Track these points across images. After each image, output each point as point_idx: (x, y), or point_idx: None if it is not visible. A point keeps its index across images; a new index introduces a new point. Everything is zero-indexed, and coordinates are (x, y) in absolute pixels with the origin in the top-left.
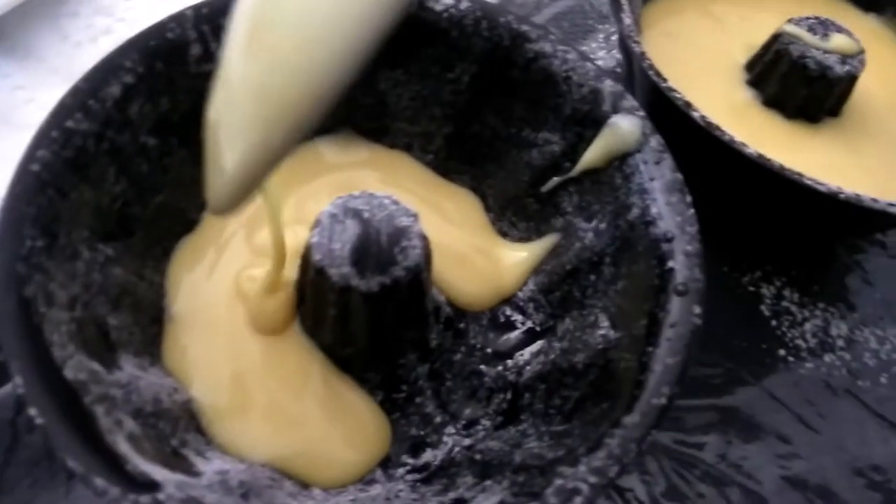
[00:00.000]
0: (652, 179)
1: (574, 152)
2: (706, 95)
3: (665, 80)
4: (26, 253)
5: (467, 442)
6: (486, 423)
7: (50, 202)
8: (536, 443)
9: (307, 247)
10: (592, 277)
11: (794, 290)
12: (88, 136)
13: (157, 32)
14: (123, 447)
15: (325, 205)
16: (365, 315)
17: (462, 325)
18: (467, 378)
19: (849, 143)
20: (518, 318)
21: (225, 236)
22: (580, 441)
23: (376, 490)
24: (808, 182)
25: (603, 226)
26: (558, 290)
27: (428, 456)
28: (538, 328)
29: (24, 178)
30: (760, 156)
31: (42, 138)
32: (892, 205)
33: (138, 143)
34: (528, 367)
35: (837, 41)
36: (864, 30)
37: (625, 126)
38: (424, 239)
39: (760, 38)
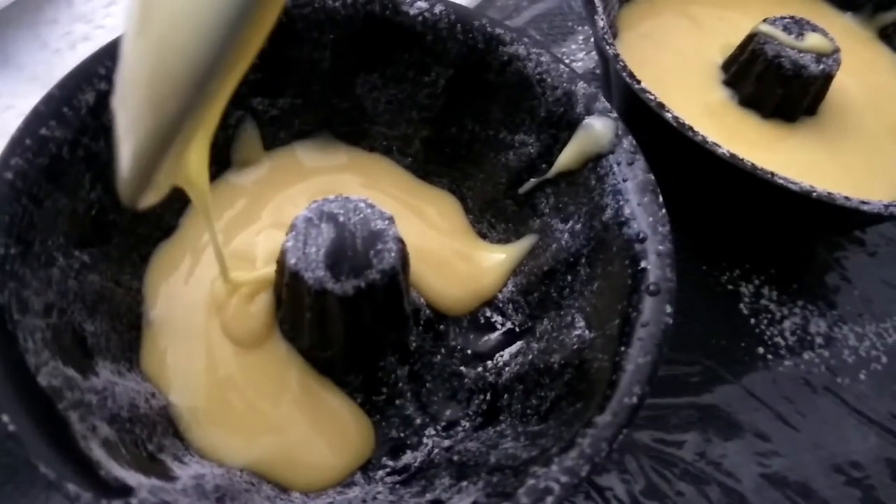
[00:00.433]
0: (625, 180)
1: (549, 154)
2: (683, 96)
3: (638, 81)
4: (0, 260)
5: (447, 443)
6: (465, 424)
7: (24, 210)
8: (512, 443)
9: (282, 251)
10: (569, 278)
11: (772, 289)
12: (63, 144)
13: None
14: (97, 453)
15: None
16: (341, 318)
17: (442, 327)
18: (447, 380)
19: (826, 141)
20: (498, 319)
21: (202, 242)
22: (554, 441)
23: (355, 493)
24: (781, 181)
25: (578, 227)
26: (536, 291)
27: (408, 458)
28: (517, 329)
29: None
30: (733, 156)
31: (16, 146)
32: (864, 202)
33: (114, 150)
34: (507, 368)
35: (812, 40)
36: (841, 28)
37: (598, 128)
38: (400, 242)
39: (738, 38)
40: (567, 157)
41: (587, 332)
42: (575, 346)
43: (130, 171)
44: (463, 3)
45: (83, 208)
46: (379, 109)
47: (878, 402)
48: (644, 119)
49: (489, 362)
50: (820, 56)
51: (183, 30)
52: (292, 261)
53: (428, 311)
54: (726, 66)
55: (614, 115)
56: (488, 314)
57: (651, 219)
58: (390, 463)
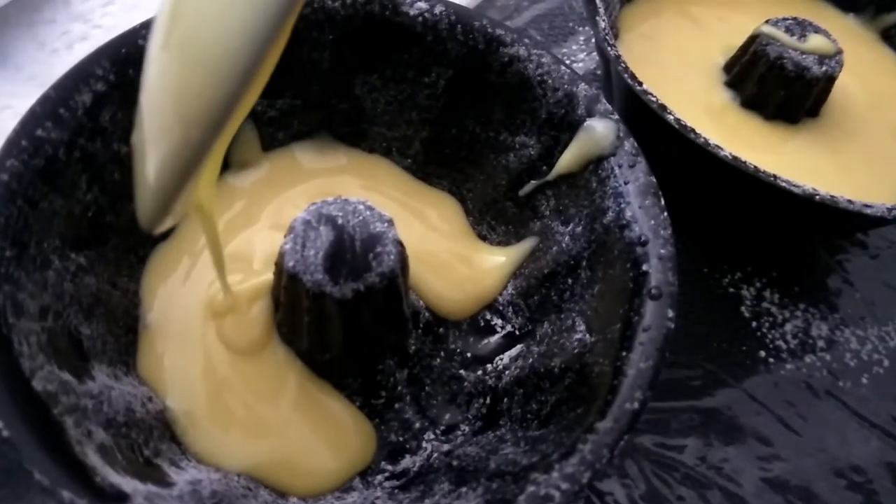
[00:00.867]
0: (626, 183)
1: (550, 156)
2: (685, 97)
3: (640, 83)
4: None
5: (446, 447)
6: (465, 428)
7: (19, 212)
8: (512, 448)
9: (280, 253)
10: (569, 281)
11: (774, 291)
12: (59, 145)
13: (128, 39)
14: (93, 458)
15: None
16: (340, 321)
17: (441, 330)
18: (447, 383)
19: (828, 143)
20: (498, 322)
21: (200, 244)
22: (554, 447)
23: (353, 498)
24: (784, 184)
25: (579, 229)
26: (537, 294)
27: (407, 462)
28: (517, 332)
29: None
30: (735, 158)
31: (11, 147)
32: (867, 206)
33: (111, 151)
34: (506, 372)
35: (815, 42)
36: (843, 30)
37: (599, 129)
38: (399, 244)
39: (739, 39)
40: (568, 159)
41: (588, 335)
42: (576, 350)
43: (154, 198)
44: (463, 3)
45: (79, 210)
46: (378, 110)
47: (880, 406)
48: (645, 121)
49: (489, 366)
50: (822, 58)
51: (215, 53)
52: (290, 263)
53: (427, 314)
54: (728, 67)
55: (616, 116)
56: (488, 317)
57: (653, 222)
58: (389, 467)
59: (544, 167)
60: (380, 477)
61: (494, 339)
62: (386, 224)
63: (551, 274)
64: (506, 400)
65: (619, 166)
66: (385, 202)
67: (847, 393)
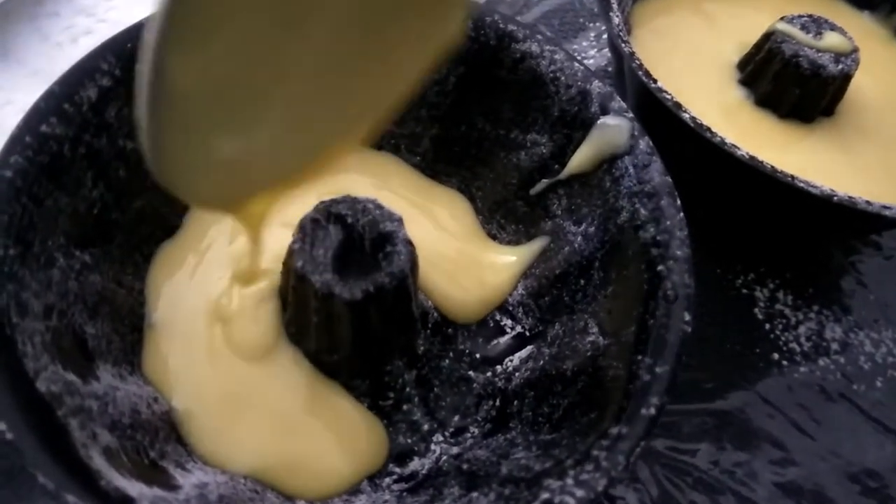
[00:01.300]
0: (641, 182)
1: (562, 154)
2: (698, 94)
3: (654, 80)
4: None
5: (455, 450)
6: (474, 430)
7: (24, 209)
8: (524, 453)
9: (289, 252)
10: (582, 282)
11: (787, 293)
12: (64, 141)
13: (134, 34)
14: (98, 461)
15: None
16: (349, 322)
17: (450, 331)
18: (455, 384)
19: (843, 142)
20: (507, 322)
21: (206, 242)
22: (568, 452)
23: (361, 501)
24: (801, 185)
25: (592, 229)
26: (548, 295)
27: (415, 465)
28: (528, 333)
29: None
30: (753, 158)
31: (15, 144)
32: (886, 207)
33: (116, 147)
34: (517, 374)
35: (831, 40)
36: (857, 28)
37: (613, 128)
38: (409, 244)
39: (753, 36)
40: (581, 157)
41: (601, 338)
42: (588, 353)
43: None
44: None
45: (84, 207)
46: None
47: (895, 410)
48: (659, 119)
49: (498, 367)
50: (838, 56)
51: None
52: (299, 263)
53: (436, 314)
54: (742, 64)
55: (630, 115)
56: (498, 317)
57: (668, 223)
58: (397, 470)
59: (556, 166)
60: (388, 479)
61: (504, 340)
62: (396, 223)
63: (563, 274)
64: (516, 402)
65: (634, 166)
66: (394, 200)
67: (861, 396)
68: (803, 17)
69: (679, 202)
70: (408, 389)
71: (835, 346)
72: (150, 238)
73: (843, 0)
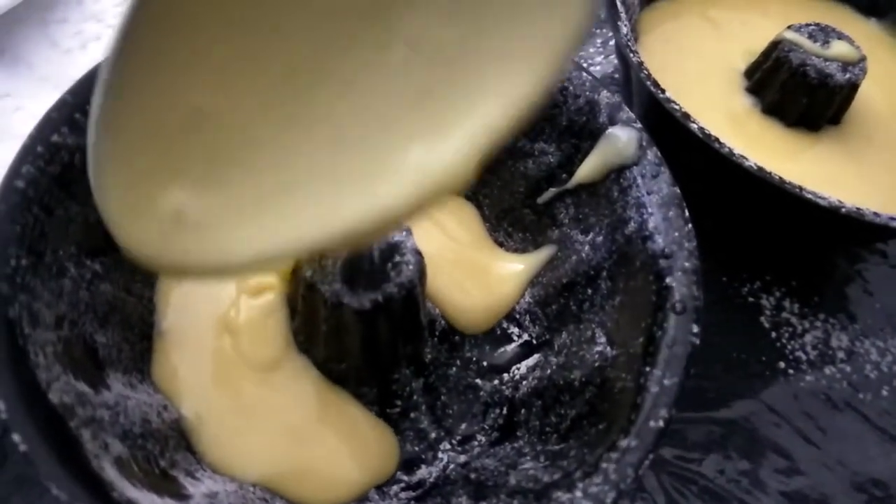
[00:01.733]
0: (649, 193)
1: (570, 164)
2: (705, 102)
3: (663, 90)
4: (10, 272)
5: (462, 459)
6: (481, 438)
7: (35, 220)
8: (532, 463)
9: (297, 261)
10: (589, 291)
11: (794, 301)
12: (75, 151)
13: None
14: (110, 472)
15: None
16: (358, 331)
17: (457, 338)
18: (462, 392)
19: (850, 151)
20: (514, 330)
21: None
22: (576, 464)
23: None
24: (809, 196)
25: (599, 239)
26: (555, 304)
27: (422, 473)
28: (534, 341)
29: (9, 195)
30: (760, 168)
31: (27, 153)
32: (893, 218)
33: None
34: (524, 382)
35: (838, 48)
36: (864, 35)
37: (622, 138)
38: (418, 254)
39: (760, 43)
40: (588, 167)
41: (609, 348)
42: (596, 364)
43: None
44: None
45: (95, 216)
46: None
47: None
48: (667, 128)
49: (505, 375)
50: (846, 65)
51: None
52: (308, 273)
53: (443, 322)
54: (749, 73)
55: (638, 125)
56: (504, 325)
57: (677, 234)
58: (405, 478)
59: (564, 175)
60: (395, 487)
61: (511, 347)
62: (404, 233)
63: (570, 283)
64: (523, 411)
65: (642, 176)
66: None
67: (867, 405)
68: (811, 25)
69: (687, 213)
70: (415, 397)
71: (841, 354)
72: None
73: (849, 7)
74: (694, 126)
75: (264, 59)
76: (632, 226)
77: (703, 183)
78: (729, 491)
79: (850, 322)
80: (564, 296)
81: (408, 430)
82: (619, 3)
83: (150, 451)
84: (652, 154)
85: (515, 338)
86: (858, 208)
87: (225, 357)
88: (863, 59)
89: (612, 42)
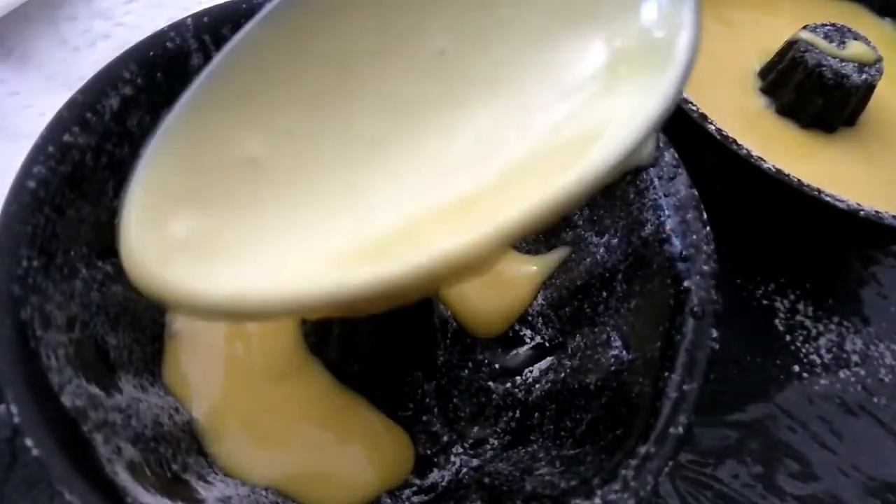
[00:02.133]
0: (667, 195)
1: None
2: (719, 103)
3: None
4: (22, 274)
5: (475, 463)
6: (494, 442)
7: (47, 220)
8: (548, 468)
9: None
10: (604, 294)
11: (808, 304)
12: (86, 151)
13: (156, 42)
14: (123, 477)
15: None
16: (370, 334)
17: (469, 340)
18: (475, 395)
19: (865, 153)
20: (527, 332)
21: None
22: (594, 470)
23: None
24: (827, 198)
25: (615, 241)
26: (568, 306)
27: (435, 476)
28: (547, 344)
29: (20, 195)
30: (779, 170)
31: (38, 154)
32: None
33: (138, 157)
34: (537, 385)
35: (854, 49)
36: (879, 35)
37: None
38: None
39: (774, 44)
40: None
41: (625, 352)
42: (612, 368)
43: None
44: None
45: (106, 217)
46: None
47: None
48: (683, 129)
49: (518, 378)
50: (862, 65)
51: None
52: None
53: (455, 324)
54: (763, 73)
55: None
56: (517, 327)
57: (695, 236)
58: (417, 481)
59: None
60: (407, 491)
61: (523, 350)
62: None
63: (584, 286)
64: (537, 415)
65: (659, 178)
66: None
67: (882, 410)
68: (826, 25)
69: (705, 215)
70: (427, 400)
71: (855, 357)
72: None
73: (864, 7)
74: (711, 127)
75: (331, 129)
76: (648, 228)
77: (719, 184)
78: (744, 495)
79: (865, 325)
80: (578, 298)
81: (420, 432)
82: None
83: (162, 454)
84: (669, 155)
85: (528, 340)
86: (877, 211)
87: (237, 359)
88: (879, 59)
89: None
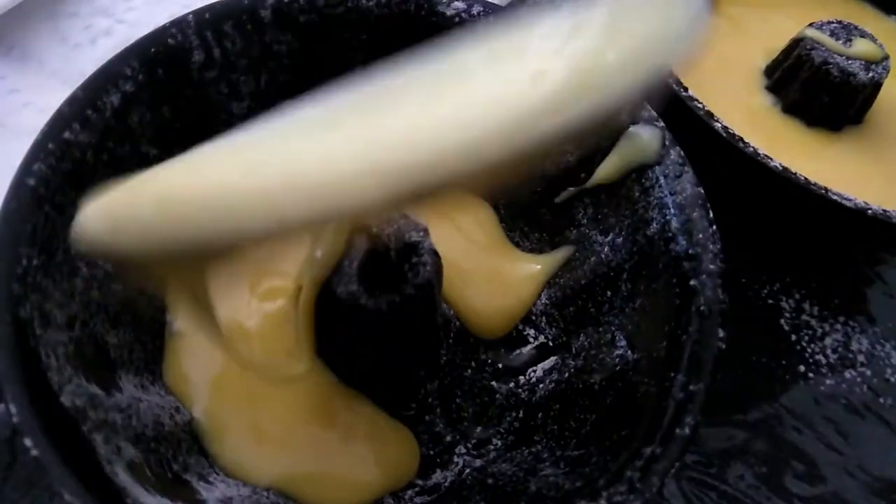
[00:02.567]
0: (672, 193)
1: (590, 163)
2: (724, 101)
3: (686, 88)
4: (22, 272)
5: (478, 463)
6: (497, 442)
7: (47, 218)
8: (552, 469)
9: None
10: (608, 293)
11: (813, 303)
12: (87, 148)
13: (158, 39)
14: (123, 478)
15: None
16: (373, 333)
17: (472, 340)
18: (478, 395)
19: (872, 151)
20: (530, 332)
21: None
22: (599, 471)
23: None
24: (835, 197)
25: (620, 240)
26: (572, 305)
27: (438, 477)
28: (551, 343)
29: (20, 193)
30: (785, 169)
31: (38, 151)
32: None
33: (139, 154)
34: (540, 385)
35: (861, 47)
36: (885, 32)
37: (644, 137)
38: (435, 255)
39: (780, 41)
40: (608, 166)
41: (630, 352)
42: (617, 368)
43: None
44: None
45: None
46: None
47: None
48: (689, 127)
49: (521, 378)
50: (869, 63)
51: None
52: (324, 274)
53: (458, 323)
54: (769, 71)
55: (661, 124)
56: (520, 327)
57: (701, 235)
58: (419, 482)
59: (583, 174)
60: (410, 492)
61: (527, 350)
62: (422, 233)
63: (589, 285)
64: (540, 415)
65: (665, 176)
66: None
67: (887, 410)
68: (833, 23)
69: (711, 214)
70: (430, 400)
71: (861, 358)
72: None
73: (869, 4)
74: (717, 125)
75: None
76: (654, 227)
77: (725, 183)
78: (749, 496)
79: (870, 325)
80: (583, 297)
81: (422, 433)
82: None
83: (162, 454)
84: (675, 153)
85: (531, 340)
86: (885, 210)
87: (239, 358)
88: (886, 57)
89: None
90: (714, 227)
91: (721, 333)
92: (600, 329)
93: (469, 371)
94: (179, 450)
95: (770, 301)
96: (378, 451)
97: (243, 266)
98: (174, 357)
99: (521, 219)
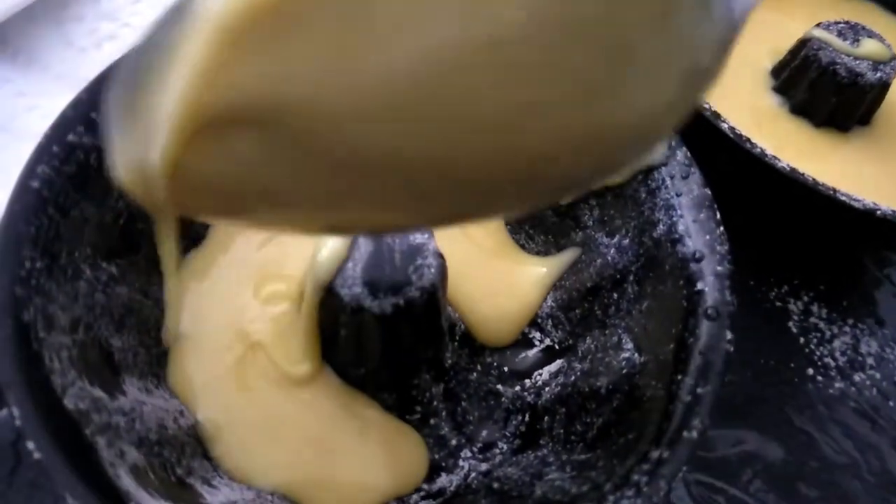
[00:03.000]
0: (679, 195)
1: None
2: (731, 101)
3: None
4: (25, 275)
5: (484, 467)
6: (503, 446)
7: (50, 221)
8: (558, 473)
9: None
10: (615, 296)
11: (822, 306)
12: (91, 151)
13: None
14: (126, 481)
15: None
16: (378, 336)
17: (477, 343)
18: (483, 398)
19: (880, 152)
20: (536, 335)
21: (232, 250)
22: (605, 475)
23: None
24: (843, 198)
25: (626, 242)
26: (578, 308)
27: (443, 481)
28: (557, 346)
29: (24, 195)
30: (793, 170)
31: (42, 153)
32: None
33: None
34: (546, 389)
35: (869, 47)
36: (893, 33)
37: None
38: (440, 257)
39: (787, 42)
40: None
41: (636, 355)
42: (624, 371)
43: None
44: None
45: (111, 218)
46: None
47: None
48: (695, 127)
49: (527, 381)
50: (877, 63)
51: None
52: (328, 277)
53: (463, 326)
54: (776, 71)
55: None
56: (526, 330)
57: (708, 237)
58: (424, 486)
59: None
60: (415, 496)
61: (533, 353)
62: (426, 235)
63: (595, 287)
64: (546, 418)
65: (671, 177)
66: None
67: None
68: (840, 23)
69: (719, 215)
70: (435, 403)
71: (870, 360)
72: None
73: (876, 4)
74: (725, 125)
75: None
76: (660, 228)
77: (731, 184)
78: (759, 500)
79: (880, 327)
80: (589, 300)
81: (428, 436)
82: None
83: (166, 458)
84: (681, 154)
85: (537, 342)
86: (894, 211)
87: (243, 363)
88: (894, 57)
89: None
90: (721, 228)
91: (729, 336)
92: (607, 332)
93: (474, 374)
94: (183, 453)
95: (778, 303)
96: (387, 454)
97: (247, 270)
98: (179, 360)
99: (526, 221)
